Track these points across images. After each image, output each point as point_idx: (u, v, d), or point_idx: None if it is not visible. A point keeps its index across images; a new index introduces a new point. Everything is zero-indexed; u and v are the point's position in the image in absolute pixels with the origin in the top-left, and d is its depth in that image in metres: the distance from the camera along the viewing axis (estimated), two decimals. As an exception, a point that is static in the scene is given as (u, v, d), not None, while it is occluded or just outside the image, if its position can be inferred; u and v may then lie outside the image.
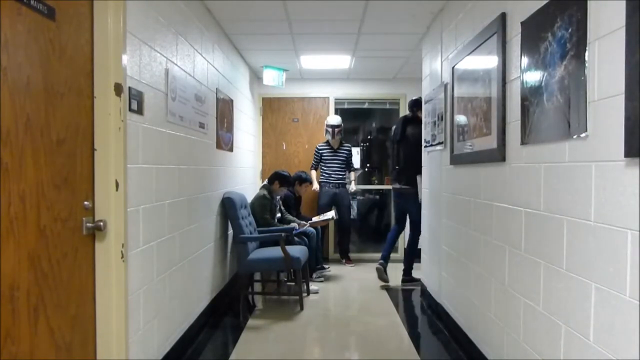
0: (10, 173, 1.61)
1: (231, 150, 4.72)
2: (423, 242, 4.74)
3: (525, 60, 2.26)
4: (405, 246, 5.41)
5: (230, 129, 4.66)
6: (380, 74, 6.37)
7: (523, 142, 2.28)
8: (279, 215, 5.33)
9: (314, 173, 6.13)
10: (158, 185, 2.75)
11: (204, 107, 3.73)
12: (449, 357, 3.26)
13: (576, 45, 1.80)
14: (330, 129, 6.04)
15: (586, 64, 1.74)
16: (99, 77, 2.16)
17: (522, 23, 2.29)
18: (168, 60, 2.91)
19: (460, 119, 3.32)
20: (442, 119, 3.79)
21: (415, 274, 5.06)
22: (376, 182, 8.03)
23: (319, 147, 6.18)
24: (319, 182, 6.15)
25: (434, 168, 4.15)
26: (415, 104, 4.96)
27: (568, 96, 1.86)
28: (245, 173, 5.58)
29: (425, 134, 4.46)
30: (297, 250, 4.42)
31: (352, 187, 6.33)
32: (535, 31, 2.14)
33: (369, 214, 8.68)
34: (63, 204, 1.93)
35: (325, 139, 6.20)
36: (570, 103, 1.85)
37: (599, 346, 1.69)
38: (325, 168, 6.12)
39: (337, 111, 6.69)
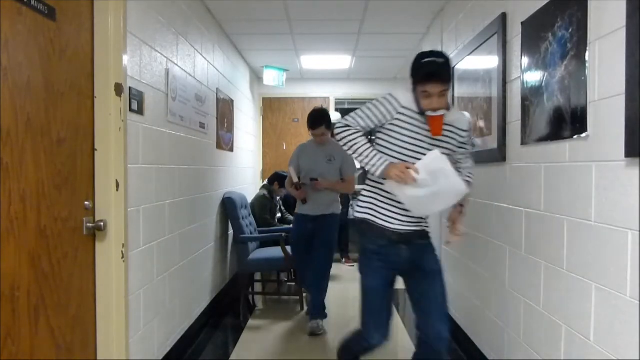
0: (11, 173, 1.61)
1: (231, 150, 4.72)
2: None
3: (525, 60, 2.26)
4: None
5: (230, 129, 4.66)
6: (381, 74, 6.37)
7: (523, 142, 2.28)
8: (279, 215, 5.33)
9: None
10: (158, 185, 2.75)
11: (205, 107, 3.73)
12: (449, 357, 3.25)
13: (577, 45, 1.80)
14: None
15: (587, 64, 1.74)
16: (100, 77, 2.16)
17: (522, 23, 2.29)
18: (168, 60, 2.91)
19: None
20: (442, 119, 3.78)
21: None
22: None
23: None
24: None
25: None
26: None
27: (568, 96, 1.86)
28: (245, 173, 5.58)
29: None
30: (298, 250, 4.41)
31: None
32: (535, 31, 2.14)
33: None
34: (63, 204, 1.93)
35: None
36: (570, 103, 1.85)
37: (600, 346, 1.69)
38: None
39: (338, 111, 6.68)
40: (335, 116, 6.03)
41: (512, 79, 2.45)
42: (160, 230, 2.79)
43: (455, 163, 2.11)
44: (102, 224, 2.14)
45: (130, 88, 2.33)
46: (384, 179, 2.00)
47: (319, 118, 3.65)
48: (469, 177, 2.20)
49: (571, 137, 1.85)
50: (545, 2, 2.05)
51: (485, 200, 2.82)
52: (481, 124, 2.88)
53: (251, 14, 4.03)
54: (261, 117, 6.62)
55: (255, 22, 4.26)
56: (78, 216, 2.05)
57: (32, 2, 1.71)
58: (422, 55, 2.01)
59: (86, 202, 2.10)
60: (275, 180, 5.04)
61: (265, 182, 5.24)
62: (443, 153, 1.97)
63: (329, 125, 3.62)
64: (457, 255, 3.46)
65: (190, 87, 3.36)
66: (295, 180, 3.65)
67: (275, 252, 4.34)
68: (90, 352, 2.17)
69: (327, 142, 3.72)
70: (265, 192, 5.02)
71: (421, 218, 2.12)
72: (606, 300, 1.65)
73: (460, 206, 2.13)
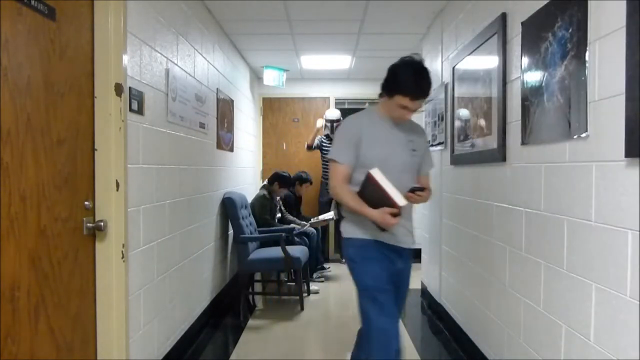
0: (11, 173, 1.61)
1: (231, 150, 4.72)
2: (423, 242, 4.74)
3: (525, 61, 2.26)
4: None
5: (230, 129, 4.66)
6: (381, 74, 6.23)
7: (523, 142, 2.28)
8: (279, 215, 5.33)
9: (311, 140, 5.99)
10: (158, 185, 2.75)
11: (205, 107, 3.73)
12: (449, 357, 3.25)
13: (577, 45, 1.80)
14: (329, 124, 5.95)
15: (587, 64, 1.74)
16: (100, 77, 2.16)
17: (522, 23, 2.29)
18: (168, 60, 2.91)
19: (461, 118, 3.32)
20: (442, 119, 3.79)
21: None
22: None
23: (320, 137, 6.09)
24: (320, 182, 6.11)
25: (434, 168, 4.14)
26: None
27: (568, 96, 1.86)
28: (245, 173, 5.58)
29: (426, 134, 4.46)
30: (298, 250, 4.42)
31: None
32: (535, 31, 2.14)
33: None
34: (63, 204, 1.93)
35: (325, 133, 6.10)
36: (570, 103, 1.85)
37: (600, 346, 1.69)
38: (325, 163, 6.07)
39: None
40: (334, 114, 5.98)
41: (512, 79, 2.45)
42: (160, 230, 2.79)
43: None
44: (102, 224, 2.14)
45: (130, 88, 2.33)
46: None
47: (429, 80, 2.12)
48: None
49: (571, 137, 1.85)
50: (545, 2, 2.05)
51: (485, 200, 2.82)
52: (481, 123, 2.88)
53: (251, 14, 4.03)
54: (261, 117, 6.62)
55: (255, 22, 4.26)
56: (78, 216, 2.05)
57: (32, 2, 1.71)
58: None
59: (86, 202, 2.10)
60: (276, 180, 5.03)
61: (265, 182, 5.24)
62: None
63: None
64: (457, 255, 3.46)
65: (190, 87, 3.36)
66: (402, 202, 2.01)
67: (275, 252, 4.35)
68: (90, 352, 2.17)
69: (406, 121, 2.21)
70: (265, 192, 5.02)
71: None
72: (606, 300, 1.65)
73: None
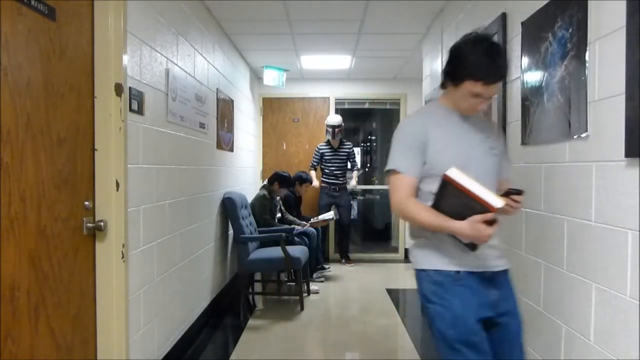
0: (11, 173, 1.61)
1: (231, 150, 4.72)
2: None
3: (525, 60, 2.26)
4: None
5: (230, 129, 4.66)
6: (381, 74, 6.36)
7: (523, 142, 2.28)
8: (279, 215, 5.33)
9: (313, 173, 6.03)
10: (158, 185, 2.75)
11: (205, 107, 3.73)
12: None
13: (577, 45, 1.80)
14: (330, 129, 5.96)
15: (587, 64, 1.74)
16: (100, 77, 2.16)
17: (522, 23, 2.29)
18: (168, 60, 2.91)
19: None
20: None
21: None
22: (376, 182, 8.04)
23: (320, 147, 6.10)
24: (320, 182, 6.11)
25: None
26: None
27: (568, 96, 1.86)
28: (245, 173, 5.58)
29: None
30: (298, 251, 4.42)
31: (353, 183, 6.23)
32: (535, 31, 2.14)
33: (369, 214, 8.68)
34: (63, 203, 1.93)
35: (326, 139, 6.15)
36: (570, 103, 1.85)
37: (600, 346, 1.69)
38: (325, 168, 6.08)
39: (337, 111, 6.67)
40: (336, 119, 5.98)
41: (512, 79, 2.45)
42: (160, 230, 2.79)
43: None
44: (102, 224, 2.14)
45: (130, 88, 2.33)
46: None
47: (504, 58, 1.68)
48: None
49: (571, 137, 1.85)
50: (545, 2, 2.05)
51: (485, 200, 2.82)
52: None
53: (251, 14, 4.03)
54: (261, 117, 6.62)
55: (255, 22, 4.26)
56: (78, 216, 2.05)
57: (32, 2, 1.71)
58: None
59: (86, 202, 2.10)
60: (276, 180, 5.04)
61: (265, 182, 5.24)
62: None
63: None
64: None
65: (190, 87, 3.36)
66: (498, 203, 1.51)
67: (275, 252, 4.34)
68: (90, 352, 2.17)
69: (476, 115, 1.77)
70: (265, 192, 5.02)
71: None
72: (606, 300, 1.65)
73: None
